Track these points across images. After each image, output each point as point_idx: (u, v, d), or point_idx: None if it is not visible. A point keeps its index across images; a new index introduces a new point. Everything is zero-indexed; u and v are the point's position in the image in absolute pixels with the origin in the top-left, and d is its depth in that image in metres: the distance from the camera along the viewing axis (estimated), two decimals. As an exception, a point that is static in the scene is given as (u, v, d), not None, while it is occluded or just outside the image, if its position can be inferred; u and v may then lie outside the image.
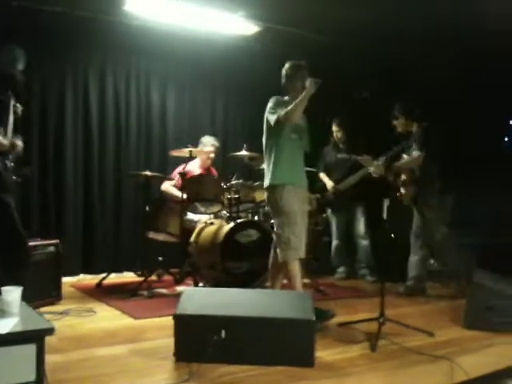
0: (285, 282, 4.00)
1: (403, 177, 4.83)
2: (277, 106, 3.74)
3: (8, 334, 1.85)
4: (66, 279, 4.89)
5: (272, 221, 5.33)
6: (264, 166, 3.90)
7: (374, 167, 4.56)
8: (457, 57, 5.48)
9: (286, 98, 3.84)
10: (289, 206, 3.68)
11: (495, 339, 3.36)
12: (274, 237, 3.86)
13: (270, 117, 3.74)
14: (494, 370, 2.84)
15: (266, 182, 3.80)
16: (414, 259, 4.93)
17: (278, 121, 3.67)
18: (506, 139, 6.31)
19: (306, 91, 3.59)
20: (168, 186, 5.46)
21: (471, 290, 3.81)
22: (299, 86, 3.72)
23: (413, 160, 4.70)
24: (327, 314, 3.65)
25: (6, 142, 3.18)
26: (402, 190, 4.84)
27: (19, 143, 3.38)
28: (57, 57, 5.48)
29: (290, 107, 3.63)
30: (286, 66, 3.90)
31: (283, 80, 3.90)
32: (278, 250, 3.74)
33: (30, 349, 1.89)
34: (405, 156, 4.79)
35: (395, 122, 4.87)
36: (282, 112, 3.65)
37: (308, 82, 3.60)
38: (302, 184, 3.89)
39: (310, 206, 4.63)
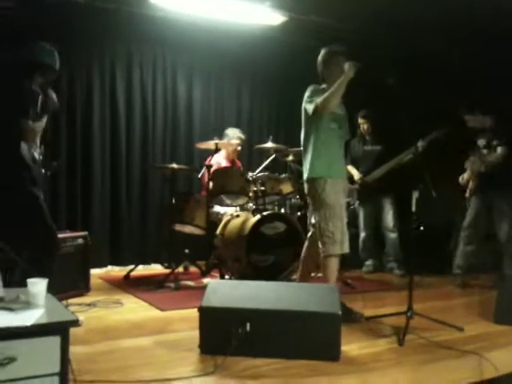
0: (312, 275, 3.96)
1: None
2: (314, 94, 3.58)
3: (33, 326, 1.87)
4: (94, 271, 4.97)
5: (299, 213, 5.34)
6: (302, 157, 3.75)
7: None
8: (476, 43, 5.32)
9: (324, 86, 3.69)
10: (330, 199, 3.54)
11: (526, 334, 3.27)
12: (312, 230, 3.74)
13: (308, 106, 3.58)
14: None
15: (306, 175, 3.66)
16: (464, 250, 4.90)
17: (316, 109, 3.51)
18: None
19: (344, 75, 3.45)
20: None
21: (501, 282, 3.73)
22: (336, 72, 3.54)
23: (503, 155, 4.64)
24: (356, 316, 3.53)
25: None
26: (470, 183, 4.86)
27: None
28: (83, 50, 5.51)
29: (326, 94, 3.48)
30: (322, 52, 3.74)
31: (319, 68, 3.74)
32: (319, 245, 3.57)
33: (55, 341, 1.90)
34: (484, 151, 4.76)
35: (468, 117, 4.76)
36: (319, 99, 3.50)
37: (347, 66, 3.46)
38: (342, 176, 3.75)
39: (349, 197, 4.55)
